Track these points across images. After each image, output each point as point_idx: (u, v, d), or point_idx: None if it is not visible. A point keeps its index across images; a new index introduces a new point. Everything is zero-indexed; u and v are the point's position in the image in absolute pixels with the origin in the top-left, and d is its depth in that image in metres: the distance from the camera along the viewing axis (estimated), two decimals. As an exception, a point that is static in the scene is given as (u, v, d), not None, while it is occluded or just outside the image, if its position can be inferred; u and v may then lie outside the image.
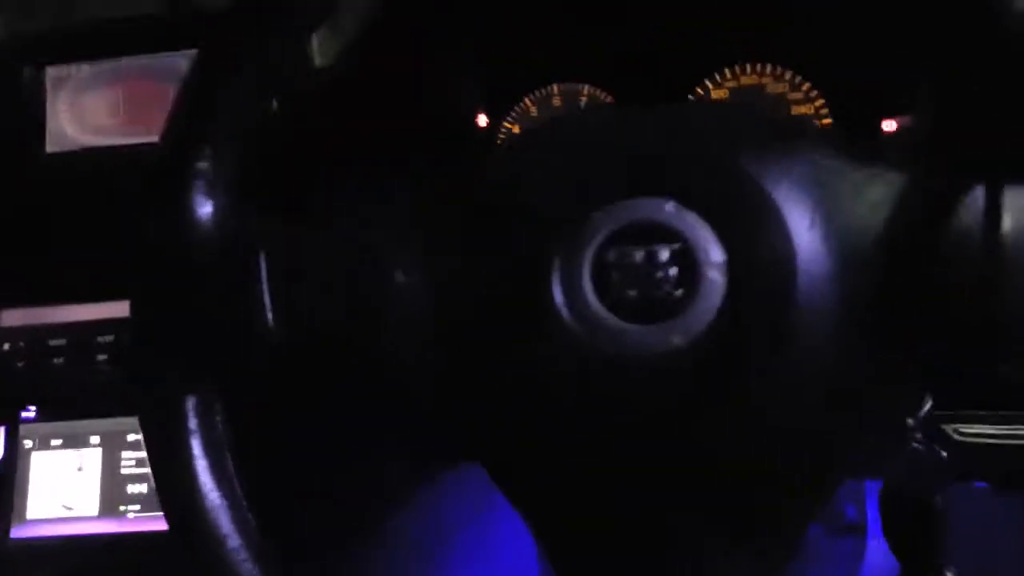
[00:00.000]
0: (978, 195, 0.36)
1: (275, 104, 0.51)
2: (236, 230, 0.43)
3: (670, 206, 0.38)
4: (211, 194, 0.42)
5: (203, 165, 0.42)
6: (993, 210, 0.36)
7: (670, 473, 0.39)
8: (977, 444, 0.57)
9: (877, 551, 0.82)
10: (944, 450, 0.52)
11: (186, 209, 0.41)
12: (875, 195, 0.38)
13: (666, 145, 0.39)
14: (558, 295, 0.39)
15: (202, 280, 0.42)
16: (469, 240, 0.41)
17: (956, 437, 0.57)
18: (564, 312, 0.39)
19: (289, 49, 0.45)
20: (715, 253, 0.38)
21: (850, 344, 0.37)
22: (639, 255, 0.38)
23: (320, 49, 0.62)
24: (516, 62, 0.55)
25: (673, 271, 0.38)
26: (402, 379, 0.42)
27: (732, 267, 0.38)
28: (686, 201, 0.38)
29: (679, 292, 0.38)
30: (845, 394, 0.38)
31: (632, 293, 0.38)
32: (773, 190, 0.37)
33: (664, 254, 0.38)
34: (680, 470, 0.39)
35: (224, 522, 0.42)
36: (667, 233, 0.38)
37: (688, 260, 0.38)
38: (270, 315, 0.42)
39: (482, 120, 0.56)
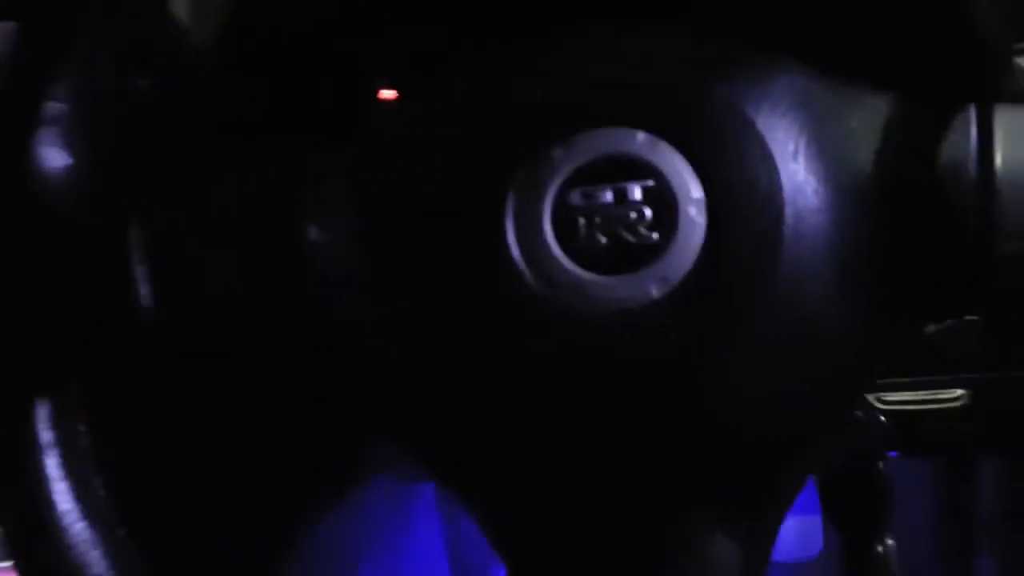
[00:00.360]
0: (969, 117, 0.33)
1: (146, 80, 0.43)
2: (100, 190, 0.34)
3: (640, 137, 0.33)
4: (66, 145, 0.34)
5: (55, 108, 0.33)
6: (985, 133, 0.33)
7: (649, 446, 0.34)
8: (900, 412, 0.55)
9: (789, 530, 0.81)
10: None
11: (32, 157, 0.33)
12: (863, 119, 0.34)
13: (633, 69, 0.34)
14: (514, 245, 0.33)
15: (55, 249, 0.34)
16: (402, 185, 0.34)
17: (879, 406, 0.55)
18: (522, 265, 0.33)
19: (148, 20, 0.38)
20: (693, 189, 0.33)
21: (843, 285, 0.33)
22: (607, 195, 0.33)
23: (193, 23, 0.56)
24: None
25: (647, 212, 0.33)
26: (327, 356, 0.35)
27: (712, 204, 0.33)
28: (658, 131, 0.33)
29: (655, 236, 0.33)
30: (838, 345, 0.34)
31: (601, 239, 0.33)
32: (753, 114, 0.33)
33: (636, 192, 0.33)
34: (661, 442, 0.34)
35: (94, 567, 0.34)
36: (638, 168, 0.33)
37: (663, 198, 0.33)
38: (146, 292, 0.34)
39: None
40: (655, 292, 0.33)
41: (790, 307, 0.33)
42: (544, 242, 0.33)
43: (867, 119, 0.34)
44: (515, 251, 0.33)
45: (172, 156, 0.37)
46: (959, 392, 0.59)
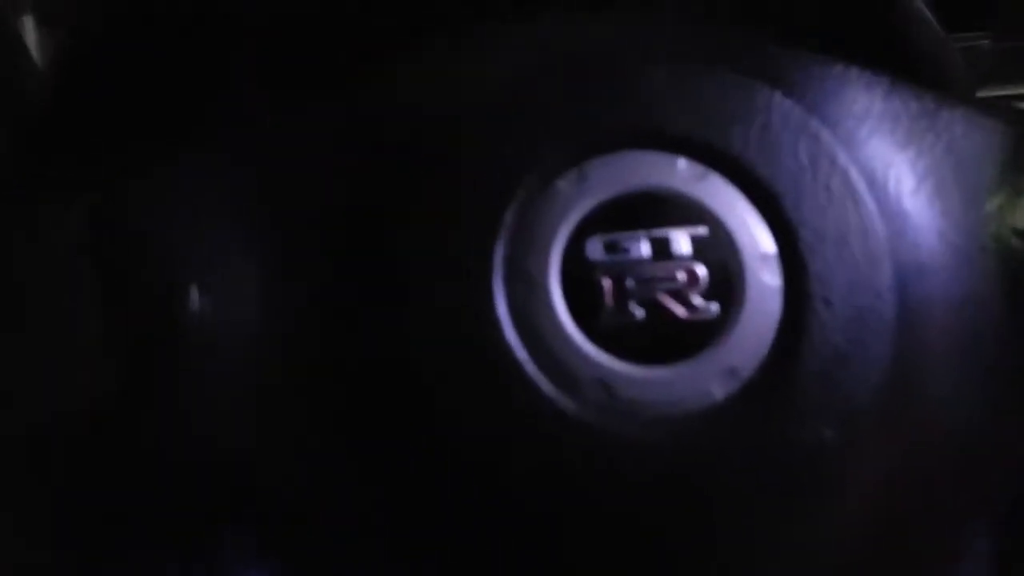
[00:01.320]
0: None
1: None
2: None
3: (683, 165, 0.23)
4: None
5: None
6: None
7: None
8: None
9: None
10: None
11: None
12: (966, 149, 0.25)
13: (668, 67, 0.24)
14: (506, 322, 0.22)
15: None
16: (341, 231, 0.22)
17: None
18: (519, 351, 0.22)
19: None
20: (762, 241, 0.23)
21: (971, 375, 0.23)
22: (642, 247, 0.22)
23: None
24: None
25: (701, 272, 0.22)
26: (212, 472, 0.22)
27: (789, 262, 0.23)
28: (707, 158, 0.23)
29: (713, 308, 0.22)
30: (965, 463, 0.24)
31: (636, 313, 0.22)
32: (831, 139, 0.23)
33: (683, 244, 0.22)
34: None
35: None
36: (683, 210, 0.23)
37: (722, 254, 0.23)
38: None
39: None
40: (717, 392, 0.22)
41: (907, 412, 0.23)
42: (552, 317, 0.22)
43: (966, 148, 0.25)
44: (508, 331, 0.22)
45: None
46: None
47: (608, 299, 0.22)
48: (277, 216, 0.22)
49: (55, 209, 0.21)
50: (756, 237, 0.23)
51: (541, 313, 0.22)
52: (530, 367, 0.22)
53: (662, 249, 0.22)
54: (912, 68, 0.27)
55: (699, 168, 0.23)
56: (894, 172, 0.24)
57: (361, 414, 0.22)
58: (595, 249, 0.22)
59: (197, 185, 0.22)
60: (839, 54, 0.25)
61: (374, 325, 0.22)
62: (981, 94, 0.39)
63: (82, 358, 0.21)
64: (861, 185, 0.23)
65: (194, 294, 0.21)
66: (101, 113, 0.25)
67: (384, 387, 0.22)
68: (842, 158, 0.23)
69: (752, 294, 0.22)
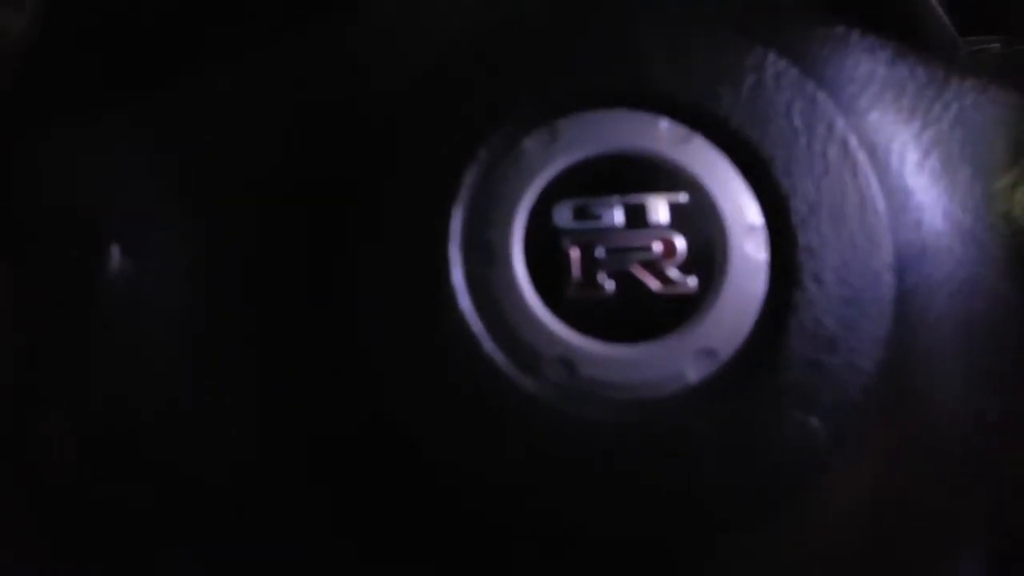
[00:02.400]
0: None
1: None
2: None
3: (664, 126, 0.21)
4: None
5: None
6: None
7: None
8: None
9: None
10: None
11: None
12: (977, 122, 0.23)
13: (652, 21, 0.22)
14: (463, 294, 0.20)
15: None
16: (268, 185, 0.21)
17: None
18: (477, 327, 0.20)
19: None
20: (748, 211, 0.21)
21: (971, 373, 0.21)
22: (615, 214, 0.20)
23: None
24: None
25: (679, 243, 0.20)
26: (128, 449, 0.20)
27: (778, 236, 0.21)
28: (690, 118, 0.21)
29: (691, 282, 0.20)
30: (958, 467, 0.22)
31: (606, 286, 0.20)
32: (833, 100, 0.21)
33: (660, 212, 0.20)
34: None
35: None
36: (662, 175, 0.21)
37: (703, 224, 0.21)
38: None
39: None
40: (691, 374, 0.20)
41: (900, 405, 0.21)
42: (512, 289, 0.20)
43: (977, 120, 0.23)
44: (463, 301, 0.20)
45: None
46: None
47: (575, 270, 0.20)
48: (209, 177, 0.20)
49: None
50: (742, 206, 0.21)
51: (501, 284, 0.20)
52: (487, 342, 0.20)
53: (637, 216, 0.20)
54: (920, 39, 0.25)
55: (682, 130, 0.21)
56: (897, 144, 0.22)
57: (302, 393, 0.20)
58: (563, 215, 0.20)
59: (124, 140, 0.20)
60: (844, 18, 0.23)
61: (316, 297, 0.20)
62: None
63: None
64: (861, 155, 0.21)
65: (115, 254, 0.19)
66: (53, 48, 0.22)
67: (329, 366, 0.20)
68: (841, 125, 0.21)
69: (734, 268, 0.20)
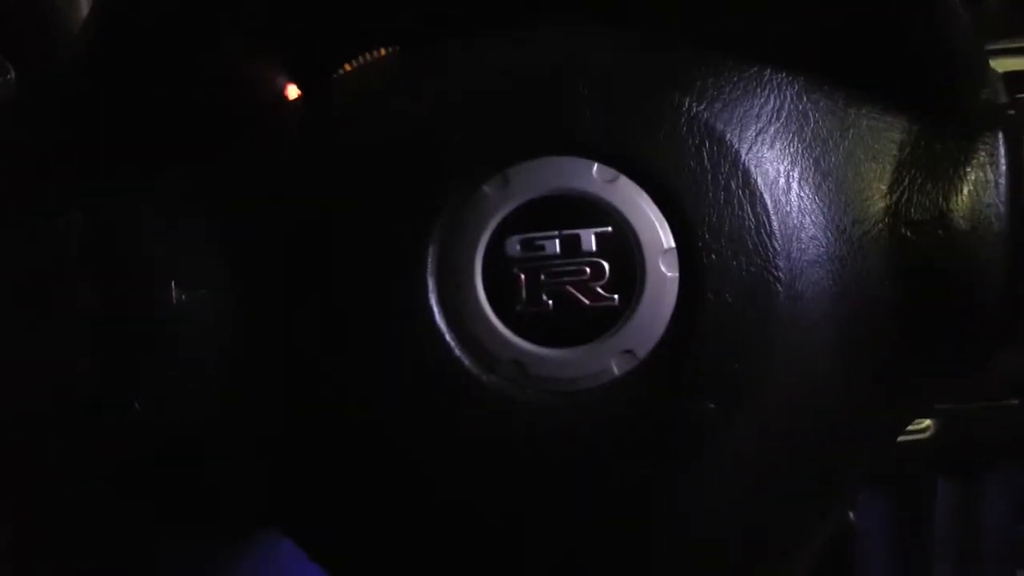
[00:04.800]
0: (997, 149, 0.27)
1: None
2: None
3: (595, 170, 0.26)
4: None
5: None
6: (1016, 168, 0.27)
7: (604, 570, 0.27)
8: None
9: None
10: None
11: None
12: (866, 145, 0.27)
13: (583, 82, 0.26)
14: (436, 309, 0.26)
15: None
16: (286, 225, 0.27)
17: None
18: (447, 335, 0.26)
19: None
20: (663, 237, 0.26)
21: (847, 362, 0.27)
22: (554, 245, 0.26)
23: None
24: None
25: (605, 266, 0.26)
26: (181, 453, 0.27)
27: (686, 257, 0.26)
28: (616, 162, 0.26)
29: (615, 298, 0.26)
30: (837, 439, 0.27)
31: (547, 302, 0.26)
32: (735, 140, 0.26)
33: (590, 241, 0.26)
34: (619, 563, 0.27)
35: None
36: (593, 210, 0.26)
37: (625, 250, 0.26)
38: None
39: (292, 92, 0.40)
40: (616, 368, 0.26)
41: (784, 391, 0.26)
42: (475, 306, 0.26)
43: (871, 145, 0.27)
44: (437, 317, 0.26)
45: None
46: (927, 423, 0.55)
47: (523, 291, 0.26)
48: (240, 224, 0.26)
49: (53, 215, 0.26)
50: (659, 234, 0.26)
51: (466, 303, 0.26)
52: (456, 348, 0.26)
53: (572, 247, 0.26)
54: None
55: (610, 172, 0.26)
56: (798, 170, 0.27)
57: (304, 394, 0.26)
58: (513, 247, 0.26)
59: (172, 200, 0.26)
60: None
61: (321, 311, 0.26)
62: (990, 47, 0.40)
63: (70, 352, 0.26)
64: (760, 184, 0.26)
65: (174, 290, 0.25)
66: (99, 121, 0.28)
67: (329, 367, 0.26)
68: (743, 159, 0.26)
69: (650, 285, 0.26)
